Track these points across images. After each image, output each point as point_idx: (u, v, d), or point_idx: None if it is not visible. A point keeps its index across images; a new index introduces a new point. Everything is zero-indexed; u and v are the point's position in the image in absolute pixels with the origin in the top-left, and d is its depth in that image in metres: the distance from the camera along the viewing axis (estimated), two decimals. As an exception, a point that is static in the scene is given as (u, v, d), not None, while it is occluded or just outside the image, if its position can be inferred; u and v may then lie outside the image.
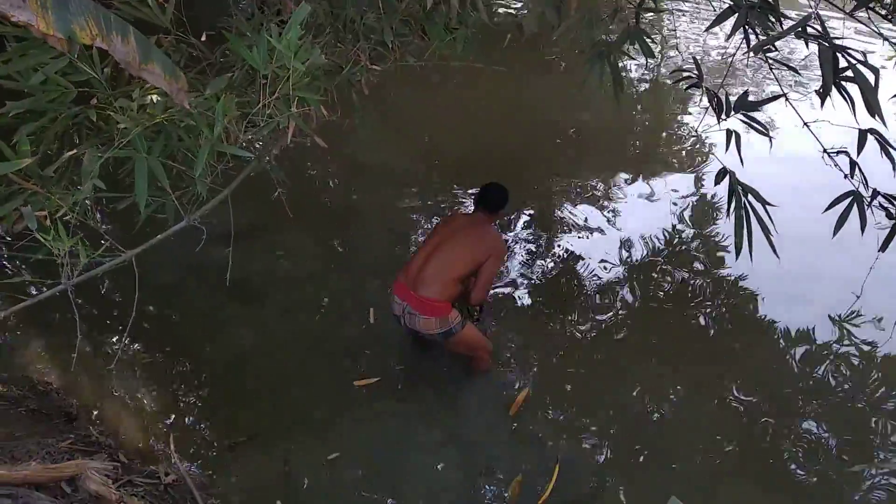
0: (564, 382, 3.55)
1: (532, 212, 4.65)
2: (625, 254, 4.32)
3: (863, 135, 2.13)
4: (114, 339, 3.61)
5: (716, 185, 2.15)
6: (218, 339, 3.69)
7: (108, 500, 2.10)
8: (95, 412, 3.33)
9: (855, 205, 2.14)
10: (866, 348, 3.69)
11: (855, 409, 3.43)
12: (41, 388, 3.40)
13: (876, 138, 2.14)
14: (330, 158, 5.01)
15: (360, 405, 3.39)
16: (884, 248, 2.36)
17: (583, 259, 4.28)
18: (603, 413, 3.40)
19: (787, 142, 4.10)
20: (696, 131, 5.10)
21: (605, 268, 4.21)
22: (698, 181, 4.87)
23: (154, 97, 2.15)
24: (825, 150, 2.22)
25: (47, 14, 1.65)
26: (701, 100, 5.46)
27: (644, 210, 4.70)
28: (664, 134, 5.50)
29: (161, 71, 1.87)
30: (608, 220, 4.60)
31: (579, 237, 4.46)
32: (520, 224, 4.55)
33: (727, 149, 2.14)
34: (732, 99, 2.20)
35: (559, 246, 4.39)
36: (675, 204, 4.72)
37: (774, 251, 2.09)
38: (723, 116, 2.17)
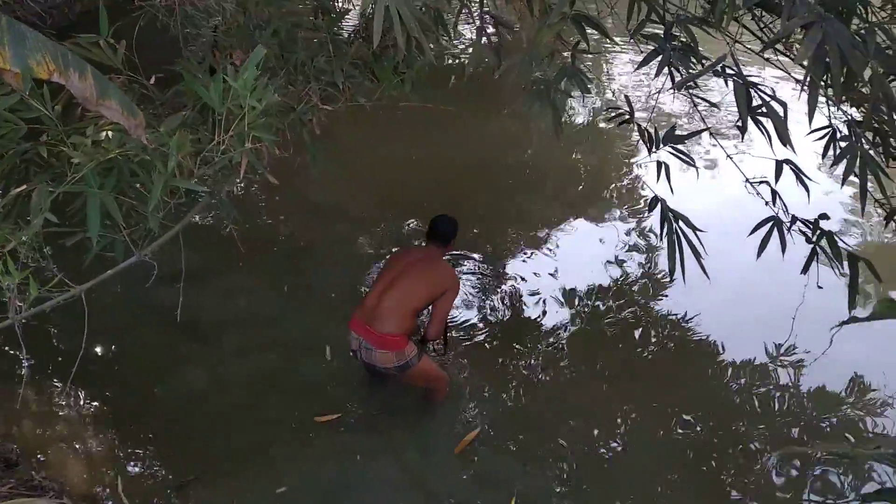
0: (517, 417, 3.61)
1: (486, 247, 4.76)
2: (575, 287, 4.45)
3: (779, 165, 2.32)
4: (60, 381, 3.53)
5: (649, 212, 2.30)
6: (169, 378, 3.64)
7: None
8: (39, 456, 3.23)
9: (775, 230, 2.32)
10: (801, 370, 3.89)
11: (786, 427, 3.61)
12: (-21, 433, 3.29)
13: (791, 168, 2.33)
14: (283, 197, 5.05)
15: (314, 442, 3.38)
16: (805, 269, 2.53)
17: (535, 293, 4.40)
18: (556, 447, 3.45)
19: (722, 173, 4.35)
20: (633, 165, 5.33)
21: (557, 301, 4.33)
22: (641, 213, 5.06)
23: (109, 132, 2.20)
24: (747, 180, 2.40)
25: (4, 50, 1.70)
26: (631, 134, 5.72)
27: (592, 243, 4.86)
28: (608, 169, 5.71)
29: (118, 107, 1.93)
30: (559, 255, 4.74)
31: (531, 272, 4.58)
32: (472, 260, 4.65)
33: (658, 179, 2.30)
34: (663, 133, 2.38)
35: (511, 281, 4.50)
36: (621, 236, 4.91)
37: (705, 272, 2.23)
38: (654, 150, 2.34)
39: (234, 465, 3.24)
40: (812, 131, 2.40)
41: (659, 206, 2.26)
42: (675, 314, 4.27)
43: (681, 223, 2.24)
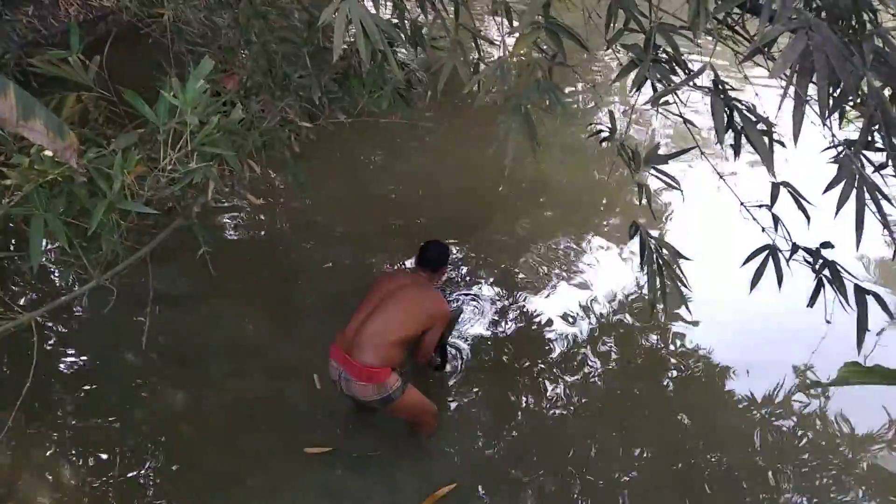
0: (511, 459, 3.40)
1: (482, 269, 4.56)
2: (575, 313, 4.24)
3: (775, 188, 2.10)
4: (31, 409, 3.43)
5: (630, 239, 2.10)
6: (147, 403, 3.53)
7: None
8: (11, 488, 3.14)
9: (770, 259, 2.09)
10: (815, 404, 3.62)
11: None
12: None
13: (789, 191, 2.11)
14: (268, 218, 4.91)
15: (295, 475, 3.23)
16: (811, 303, 2.29)
17: (536, 318, 4.19)
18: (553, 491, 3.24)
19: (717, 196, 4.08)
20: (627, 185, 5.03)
21: (559, 334, 4.10)
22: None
23: (48, 152, 2.09)
24: (742, 204, 2.18)
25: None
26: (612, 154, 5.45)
27: (595, 271, 4.63)
28: (601, 189, 5.45)
29: (44, 128, 1.81)
30: (560, 279, 4.52)
31: (534, 299, 4.36)
32: (472, 284, 4.45)
33: (640, 202, 2.10)
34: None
35: (513, 309, 4.29)
36: (619, 260, 4.67)
37: (687, 307, 2.02)
38: (636, 171, 2.13)
39: (210, 494, 3.12)
40: (825, 149, 2.18)
41: (638, 233, 2.06)
42: (684, 343, 3.99)
43: (664, 251, 2.04)
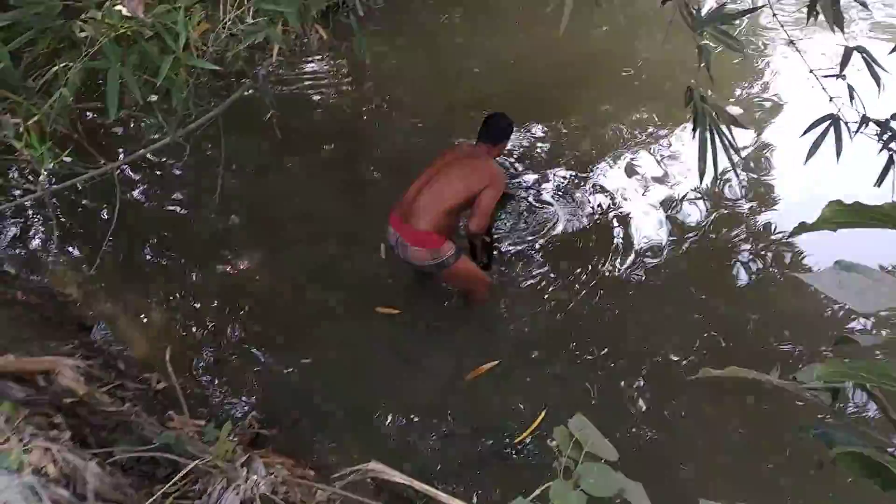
0: (559, 336, 3.46)
1: (555, 154, 4.47)
2: (655, 205, 4.07)
3: (848, 52, 1.95)
4: (134, 255, 3.77)
5: (686, 105, 2.03)
6: (223, 258, 3.81)
7: (77, 394, 2.24)
8: (108, 324, 3.52)
9: (832, 129, 1.98)
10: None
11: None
12: (60, 298, 3.61)
13: (863, 56, 1.96)
14: (332, 91, 4.93)
15: (356, 330, 3.46)
16: (879, 182, 2.18)
17: (597, 210, 4.09)
18: (602, 367, 3.32)
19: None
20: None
21: (620, 221, 3.99)
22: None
23: (119, 6, 2.19)
24: (811, 70, 2.05)
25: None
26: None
27: (676, 157, 4.39)
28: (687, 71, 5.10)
29: (111, -23, 1.89)
30: (635, 167, 4.35)
31: (596, 183, 4.26)
32: (551, 166, 4.37)
33: (699, 66, 2.01)
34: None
35: (586, 193, 4.20)
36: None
37: (737, 174, 1.96)
38: (696, 31, 2.02)
39: (282, 339, 3.42)
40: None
41: (693, 99, 1.98)
42: (750, 226, 3.81)
43: (716, 115, 1.97)
